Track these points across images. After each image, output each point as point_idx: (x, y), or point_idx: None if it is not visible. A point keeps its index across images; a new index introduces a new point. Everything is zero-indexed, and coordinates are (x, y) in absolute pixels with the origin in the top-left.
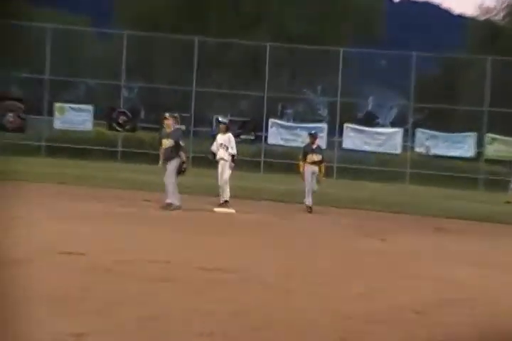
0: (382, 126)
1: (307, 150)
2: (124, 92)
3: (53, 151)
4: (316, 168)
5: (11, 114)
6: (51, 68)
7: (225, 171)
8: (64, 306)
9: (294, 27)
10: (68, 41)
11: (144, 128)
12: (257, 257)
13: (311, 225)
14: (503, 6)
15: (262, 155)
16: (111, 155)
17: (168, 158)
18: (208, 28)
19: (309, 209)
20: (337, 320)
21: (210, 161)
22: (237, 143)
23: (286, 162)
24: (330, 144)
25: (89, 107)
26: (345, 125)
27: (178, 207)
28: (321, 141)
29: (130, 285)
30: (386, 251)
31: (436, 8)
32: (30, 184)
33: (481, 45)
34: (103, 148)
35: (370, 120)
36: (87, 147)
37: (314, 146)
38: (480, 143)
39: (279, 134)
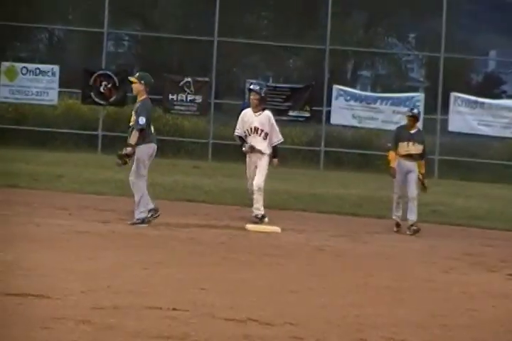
0: (511, 97)
1: (401, 136)
2: (109, 45)
3: None
4: (412, 165)
5: None
6: None
7: (260, 170)
8: None
9: None
10: None
11: None
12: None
13: (402, 253)
14: None
15: (322, 143)
16: (87, 143)
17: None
18: None
19: (411, 229)
20: None
21: (242, 153)
22: (282, 123)
23: (360, 153)
24: (428, 124)
25: (54, 68)
26: (453, 95)
27: (144, 221)
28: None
29: None
30: None
31: None
32: None
33: None
34: (75, 131)
35: (490, 87)
36: (51, 130)
37: (413, 131)
38: None
39: (348, 110)
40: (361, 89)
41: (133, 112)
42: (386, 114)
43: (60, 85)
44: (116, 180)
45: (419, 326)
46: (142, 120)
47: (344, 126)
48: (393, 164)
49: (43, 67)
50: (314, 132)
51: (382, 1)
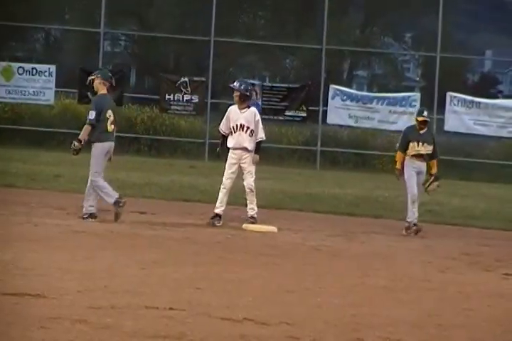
0: (508, 96)
1: (412, 136)
2: (105, 44)
3: None
4: (423, 165)
5: None
6: None
7: (249, 171)
8: None
9: None
10: None
11: (135, 101)
12: (309, 307)
13: (399, 252)
14: None
15: (319, 143)
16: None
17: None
18: None
19: (412, 229)
20: None
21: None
22: (279, 123)
23: (356, 152)
24: None
25: (51, 68)
26: (449, 94)
27: (91, 215)
28: (411, 120)
29: None
30: None
31: None
32: None
33: None
34: (71, 131)
35: (486, 87)
36: (47, 130)
37: (423, 131)
38: None
39: (344, 109)
40: (357, 89)
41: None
42: (382, 113)
43: (57, 85)
44: (113, 180)
45: (415, 326)
46: (92, 114)
47: (340, 126)
48: (399, 165)
49: (39, 66)
50: (310, 132)
51: (378, 1)
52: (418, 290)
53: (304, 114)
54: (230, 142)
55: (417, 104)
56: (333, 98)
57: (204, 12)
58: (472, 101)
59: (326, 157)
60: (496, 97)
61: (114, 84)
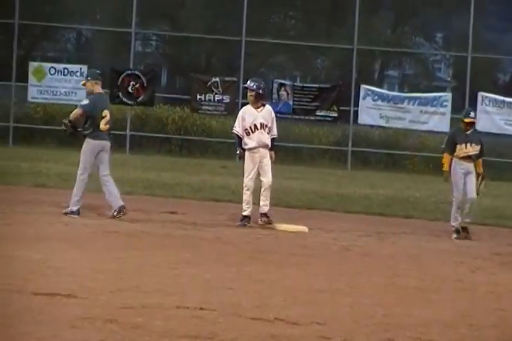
0: None
1: (459, 139)
2: (136, 45)
3: (27, 137)
4: (471, 166)
5: None
6: (22, 8)
7: (269, 168)
8: None
9: None
10: None
11: (167, 101)
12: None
13: (430, 253)
14: None
15: (350, 143)
16: (115, 143)
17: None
18: None
19: (461, 233)
20: None
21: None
22: (310, 123)
23: (387, 153)
24: (456, 124)
25: (82, 68)
26: (480, 94)
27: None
28: (444, 120)
29: None
30: None
31: None
32: None
33: None
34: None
35: None
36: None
37: (469, 132)
38: None
39: (375, 109)
40: (388, 89)
41: None
42: (413, 113)
43: None
44: (143, 180)
45: (447, 326)
46: (85, 101)
47: (371, 126)
48: (446, 168)
49: (70, 67)
50: (342, 132)
51: (409, 1)
52: (449, 290)
53: (335, 114)
54: (249, 142)
55: (448, 104)
56: (364, 98)
57: (235, 12)
58: (503, 101)
59: (357, 157)
60: None
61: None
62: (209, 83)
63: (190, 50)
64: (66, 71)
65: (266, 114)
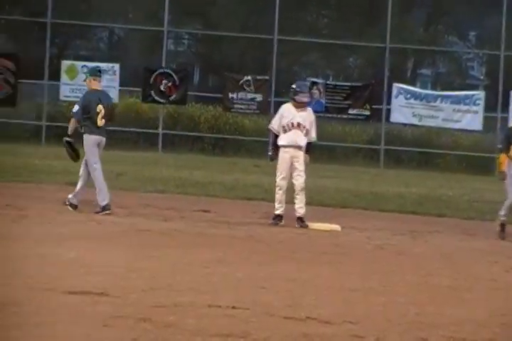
0: None
1: None
2: (168, 43)
3: (59, 136)
4: None
5: None
6: (55, 7)
7: (302, 170)
8: None
9: None
10: None
11: (199, 99)
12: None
13: (463, 251)
14: None
15: (382, 141)
16: (148, 141)
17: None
18: None
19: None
20: None
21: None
22: (342, 121)
23: (420, 151)
24: (489, 122)
25: (115, 67)
26: None
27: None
28: (476, 118)
29: None
30: None
31: None
32: (27, 187)
33: None
34: (136, 129)
35: None
36: (111, 129)
37: None
38: None
39: (408, 108)
40: (421, 88)
41: None
42: (446, 112)
43: (121, 84)
44: (176, 179)
45: (480, 325)
46: (75, 108)
47: (404, 125)
48: (503, 167)
49: (103, 65)
50: (374, 130)
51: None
52: (482, 289)
53: (368, 113)
54: (283, 140)
55: (481, 103)
56: (396, 96)
57: (267, 10)
58: None
59: (389, 156)
60: None
61: (101, 76)
62: (241, 81)
63: (222, 48)
64: None
65: (306, 115)
